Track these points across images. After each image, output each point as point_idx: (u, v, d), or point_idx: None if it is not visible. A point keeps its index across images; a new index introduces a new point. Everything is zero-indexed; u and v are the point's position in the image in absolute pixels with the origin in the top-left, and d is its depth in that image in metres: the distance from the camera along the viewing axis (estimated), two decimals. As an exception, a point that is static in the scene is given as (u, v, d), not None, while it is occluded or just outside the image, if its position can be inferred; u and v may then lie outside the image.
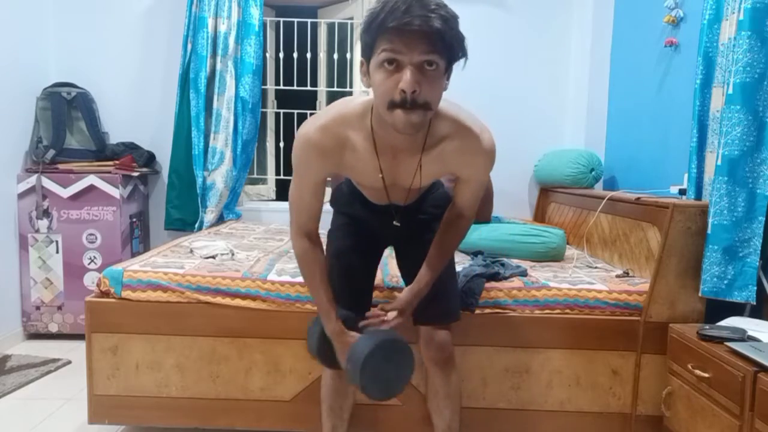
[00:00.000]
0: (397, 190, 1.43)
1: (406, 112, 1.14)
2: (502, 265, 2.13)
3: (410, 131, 1.18)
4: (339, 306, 1.58)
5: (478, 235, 2.51)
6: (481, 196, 1.48)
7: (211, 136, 3.20)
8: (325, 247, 1.67)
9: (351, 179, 1.55)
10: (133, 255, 3.06)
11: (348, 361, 1.39)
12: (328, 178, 1.42)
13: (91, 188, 2.97)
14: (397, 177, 1.38)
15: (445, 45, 1.11)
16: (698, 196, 1.98)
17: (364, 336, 1.42)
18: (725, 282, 1.76)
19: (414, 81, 1.11)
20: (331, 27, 3.67)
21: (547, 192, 3.39)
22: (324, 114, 1.33)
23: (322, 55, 3.69)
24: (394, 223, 1.51)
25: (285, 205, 3.56)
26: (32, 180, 2.95)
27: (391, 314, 1.46)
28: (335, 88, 3.64)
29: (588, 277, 2.10)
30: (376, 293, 1.81)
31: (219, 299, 1.90)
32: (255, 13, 3.19)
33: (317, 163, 1.34)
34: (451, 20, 1.11)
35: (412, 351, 1.44)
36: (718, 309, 1.83)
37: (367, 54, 1.18)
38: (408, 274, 1.68)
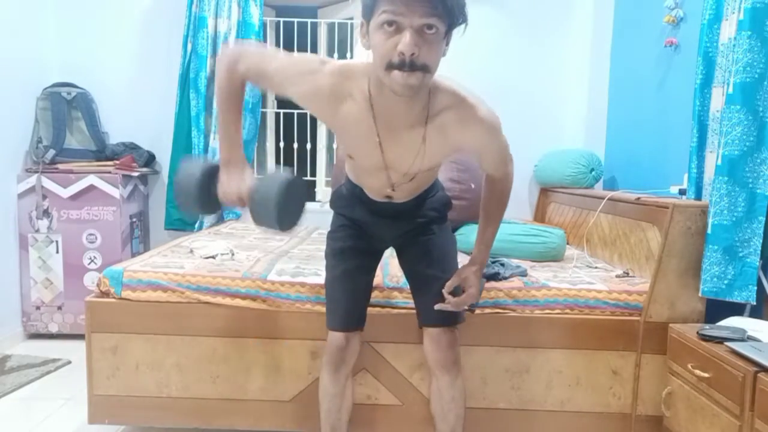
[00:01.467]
0: (396, 175, 1.41)
1: (403, 74, 1.13)
2: (502, 265, 2.13)
3: (408, 93, 1.17)
4: (338, 303, 1.58)
5: (478, 235, 2.51)
6: (505, 156, 1.49)
7: (211, 136, 3.21)
8: (325, 248, 1.68)
9: (353, 158, 1.49)
10: (133, 255, 3.06)
11: (256, 193, 1.33)
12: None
13: (91, 188, 2.97)
14: (396, 154, 1.36)
15: (446, 9, 1.11)
16: (698, 196, 1.98)
17: (266, 175, 1.40)
18: (725, 282, 1.76)
19: (413, 43, 1.10)
20: (331, 27, 3.67)
21: (547, 192, 3.39)
22: (333, 62, 1.31)
23: (322, 56, 3.69)
24: (388, 192, 1.49)
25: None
26: (32, 180, 2.95)
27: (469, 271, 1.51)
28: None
29: (588, 277, 2.10)
30: (376, 293, 1.81)
31: (219, 299, 1.90)
32: (255, 13, 3.20)
33: (309, 82, 1.29)
34: None
35: (305, 183, 1.44)
36: (718, 309, 1.83)
37: (367, 15, 1.18)
38: (409, 274, 1.67)
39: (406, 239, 1.63)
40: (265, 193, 1.32)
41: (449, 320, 1.57)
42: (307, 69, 1.30)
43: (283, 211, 1.32)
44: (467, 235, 2.33)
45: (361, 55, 3.43)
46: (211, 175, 1.41)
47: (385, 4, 1.11)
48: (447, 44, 1.20)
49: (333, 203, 1.70)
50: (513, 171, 1.57)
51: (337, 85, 1.29)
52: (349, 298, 1.61)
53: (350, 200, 1.62)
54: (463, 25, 1.19)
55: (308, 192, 1.44)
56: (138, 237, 3.24)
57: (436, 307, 1.49)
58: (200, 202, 1.42)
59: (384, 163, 1.38)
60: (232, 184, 1.38)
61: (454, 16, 1.14)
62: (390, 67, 1.14)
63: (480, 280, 1.55)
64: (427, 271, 1.59)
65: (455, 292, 1.51)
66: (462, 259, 1.64)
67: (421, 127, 1.31)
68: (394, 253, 1.73)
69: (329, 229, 1.70)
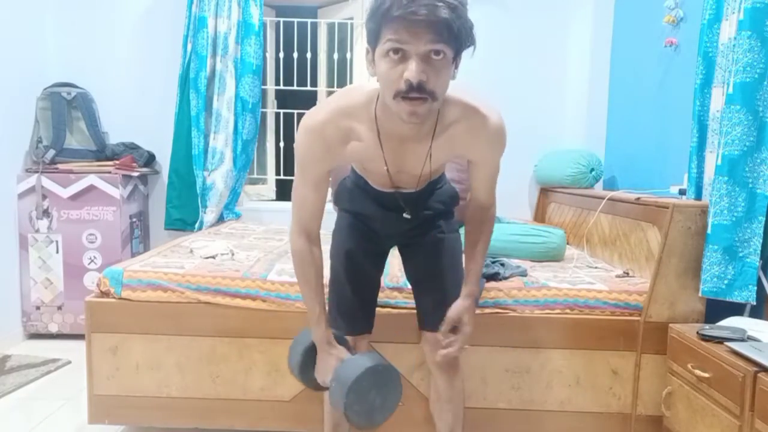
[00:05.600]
0: (404, 177, 1.41)
1: (411, 103, 1.12)
2: (502, 265, 2.13)
3: (415, 121, 1.17)
4: (344, 305, 1.57)
5: (478, 235, 2.51)
6: (496, 180, 1.46)
7: (211, 136, 3.20)
8: (329, 248, 1.63)
9: (356, 167, 1.51)
10: (133, 255, 3.06)
11: (335, 380, 1.34)
12: (330, 178, 1.41)
13: (91, 188, 2.97)
14: (403, 165, 1.36)
15: (452, 34, 1.09)
16: (698, 196, 1.98)
17: (356, 356, 1.38)
18: (725, 282, 1.76)
19: (419, 71, 1.09)
20: (331, 27, 3.67)
21: (547, 192, 3.39)
22: (326, 106, 1.31)
23: (322, 55, 3.69)
24: (404, 215, 1.49)
25: (285, 205, 3.58)
26: (32, 180, 2.95)
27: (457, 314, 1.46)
28: (335, 88, 3.64)
29: (588, 277, 2.10)
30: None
31: (219, 299, 1.90)
32: (255, 13, 3.20)
33: (320, 156, 1.31)
34: (459, 8, 1.09)
35: (401, 382, 1.41)
36: (718, 309, 1.83)
37: (372, 42, 1.16)
38: (412, 277, 1.66)
39: (412, 238, 1.59)
40: (342, 378, 1.32)
41: None
42: (309, 143, 1.31)
43: (356, 402, 1.30)
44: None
45: (361, 53, 3.43)
46: (312, 355, 1.45)
47: (389, 33, 1.09)
48: (456, 67, 1.18)
49: (337, 199, 1.67)
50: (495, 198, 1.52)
51: (337, 127, 1.28)
52: (355, 302, 1.58)
53: (355, 192, 1.58)
54: (471, 48, 1.18)
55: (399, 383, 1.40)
56: (138, 237, 3.24)
57: (438, 359, 1.48)
58: (304, 381, 1.50)
59: (388, 174, 1.38)
60: (323, 367, 1.44)
61: (461, 40, 1.13)
62: (398, 95, 1.13)
63: (473, 316, 1.49)
64: (431, 276, 1.57)
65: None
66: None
67: (427, 143, 1.30)
68: (395, 253, 1.72)
69: (333, 228, 1.67)
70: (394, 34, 1.09)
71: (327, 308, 1.60)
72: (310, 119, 1.30)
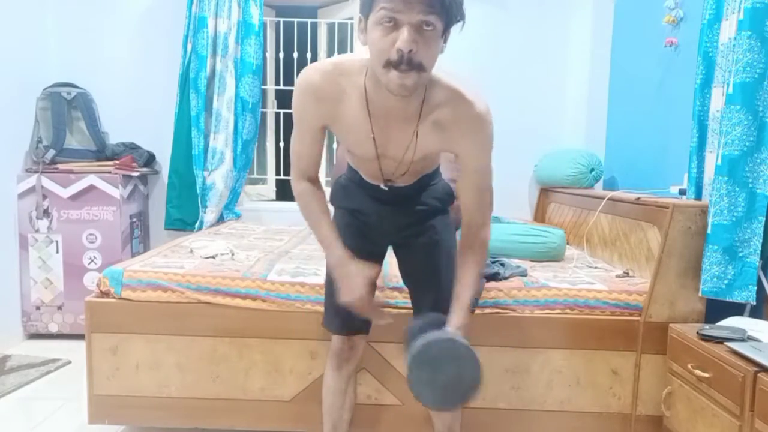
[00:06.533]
0: (389, 163, 1.40)
1: (400, 75, 1.14)
2: (502, 265, 2.13)
3: (404, 93, 1.18)
4: (340, 304, 1.57)
5: (478, 235, 2.51)
6: (486, 195, 1.41)
7: (211, 136, 3.20)
8: None
9: (347, 148, 1.49)
10: (133, 255, 3.06)
11: (420, 332, 1.26)
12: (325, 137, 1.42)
13: (91, 188, 2.97)
14: (388, 146, 1.35)
15: (444, 6, 1.12)
16: (698, 196, 1.98)
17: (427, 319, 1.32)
18: (725, 282, 1.76)
19: (411, 40, 1.11)
20: (331, 27, 3.67)
21: (547, 192, 3.39)
22: (323, 62, 1.34)
23: (322, 55, 3.69)
24: (382, 186, 1.47)
25: (285, 205, 3.58)
26: (32, 180, 2.95)
27: None
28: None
29: (588, 277, 2.10)
30: (376, 293, 1.80)
31: (219, 299, 1.90)
32: (255, 13, 3.20)
33: (315, 107, 1.33)
34: None
35: (477, 362, 1.24)
36: (718, 309, 1.83)
37: (365, 11, 1.18)
38: (408, 279, 1.66)
39: (407, 237, 1.59)
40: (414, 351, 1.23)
41: None
42: (304, 92, 1.32)
43: (422, 373, 1.22)
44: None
45: (361, 52, 3.43)
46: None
47: (383, 1, 1.11)
48: (445, 42, 1.20)
49: (333, 197, 1.67)
50: (489, 218, 1.44)
51: (332, 82, 1.30)
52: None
53: (350, 188, 1.60)
54: (460, 23, 1.19)
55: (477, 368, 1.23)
56: (138, 237, 3.24)
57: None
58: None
59: (376, 155, 1.38)
60: (350, 285, 1.39)
61: (451, 13, 1.15)
62: (387, 65, 1.14)
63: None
64: (427, 277, 1.57)
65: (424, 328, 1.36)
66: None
67: (414, 123, 1.30)
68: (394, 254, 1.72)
69: None
70: (388, 2, 1.11)
71: (324, 302, 1.61)
72: (307, 71, 1.32)
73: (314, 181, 1.48)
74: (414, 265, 1.62)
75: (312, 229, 1.49)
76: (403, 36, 1.11)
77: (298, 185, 1.47)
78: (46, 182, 2.95)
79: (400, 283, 1.88)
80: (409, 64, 1.13)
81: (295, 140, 1.43)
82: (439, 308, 1.49)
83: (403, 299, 1.87)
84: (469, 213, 1.40)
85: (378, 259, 1.66)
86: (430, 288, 1.57)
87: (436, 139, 1.33)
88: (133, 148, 3.24)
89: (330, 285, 1.61)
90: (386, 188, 1.48)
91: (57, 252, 2.99)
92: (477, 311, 1.88)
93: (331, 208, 1.60)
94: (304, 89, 1.32)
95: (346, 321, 1.58)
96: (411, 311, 1.69)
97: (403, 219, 1.56)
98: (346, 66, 1.31)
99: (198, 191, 3.22)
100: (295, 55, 3.55)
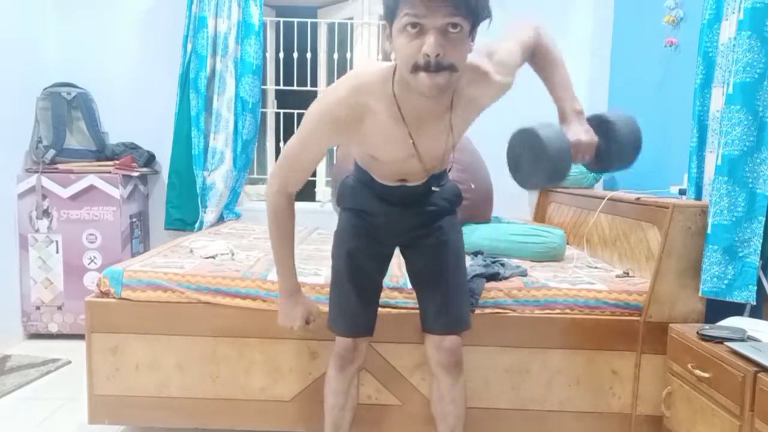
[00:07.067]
0: (426, 160, 1.40)
1: (430, 75, 1.13)
2: (502, 265, 2.13)
3: (436, 93, 1.17)
4: (344, 305, 1.57)
5: (478, 235, 2.51)
6: (524, 30, 1.48)
7: (211, 136, 3.20)
8: (331, 248, 1.63)
9: (369, 154, 1.45)
10: (133, 255, 3.06)
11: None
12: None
13: (91, 188, 2.97)
14: (425, 144, 1.35)
15: (469, 7, 1.11)
16: (698, 196, 1.98)
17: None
18: (725, 282, 1.76)
19: (437, 44, 1.10)
20: (331, 27, 3.66)
21: (547, 192, 3.39)
22: (341, 84, 1.31)
23: (322, 55, 3.69)
24: (392, 185, 1.49)
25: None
26: (32, 180, 2.95)
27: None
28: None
29: (588, 277, 2.10)
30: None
31: (219, 299, 1.90)
32: (255, 13, 3.19)
33: (329, 134, 1.32)
34: None
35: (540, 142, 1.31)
36: (718, 309, 1.83)
37: (389, 17, 1.17)
38: (415, 280, 1.65)
39: (415, 239, 1.58)
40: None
41: (454, 327, 1.54)
42: (321, 119, 1.31)
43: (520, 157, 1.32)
44: (468, 235, 2.33)
45: (361, 53, 3.43)
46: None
47: (406, 7, 1.10)
48: (472, 40, 1.19)
49: (340, 198, 1.65)
50: (541, 31, 1.50)
51: (351, 107, 1.28)
52: (357, 302, 1.57)
53: (358, 189, 1.58)
54: (487, 20, 1.19)
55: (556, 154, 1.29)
56: (138, 237, 3.24)
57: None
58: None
59: (418, 155, 1.37)
60: (290, 314, 1.55)
61: (478, 12, 1.14)
62: (416, 69, 1.14)
63: (585, 125, 1.38)
64: (434, 278, 1.57)
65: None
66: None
67: (447, 115, 1.31)
68: (396, 252, 1.71)
69: (335, 228, 1.65)
70: (411, 8, 1.10)
71: (328, 307, 1.62)
72: (323, 100, 1.31)
73: (292, 198, 1.46)
74: (421, 266, 1.61)
75: (275, 249, 1.50)
76: (429, 41, 1.10)
77: (276, 198, 1.44)
78: (46, 182, 2.95)
79: (400, 283, 1.89)
80: (438, 66, 1.12)
81: (295, 149, 1.39)
82: (447, 309, 1.49)
83: (404, 299, 1.87)
84: (526, 39, 1.45)
85: (383, 260, 1.65)
86: (437, 289, 1.56)
87: (469, 117, 1.36)
88: (133, 148, 3.24)
89: (335, 287, 1.61)
90: (397, 185, 1.48)
91: (57, 252, 2.99)
92: (477, 311, 1.88)
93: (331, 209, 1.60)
94: (321, 117, 1.31)
95: (351, 323, 1.57)
96: (411, 311, 1.69)
97: (412, 220, 1.55)
98: (366, 82, 1.29)
99: (198, 191, 3.22)
100: (295, 55, 3.54)
